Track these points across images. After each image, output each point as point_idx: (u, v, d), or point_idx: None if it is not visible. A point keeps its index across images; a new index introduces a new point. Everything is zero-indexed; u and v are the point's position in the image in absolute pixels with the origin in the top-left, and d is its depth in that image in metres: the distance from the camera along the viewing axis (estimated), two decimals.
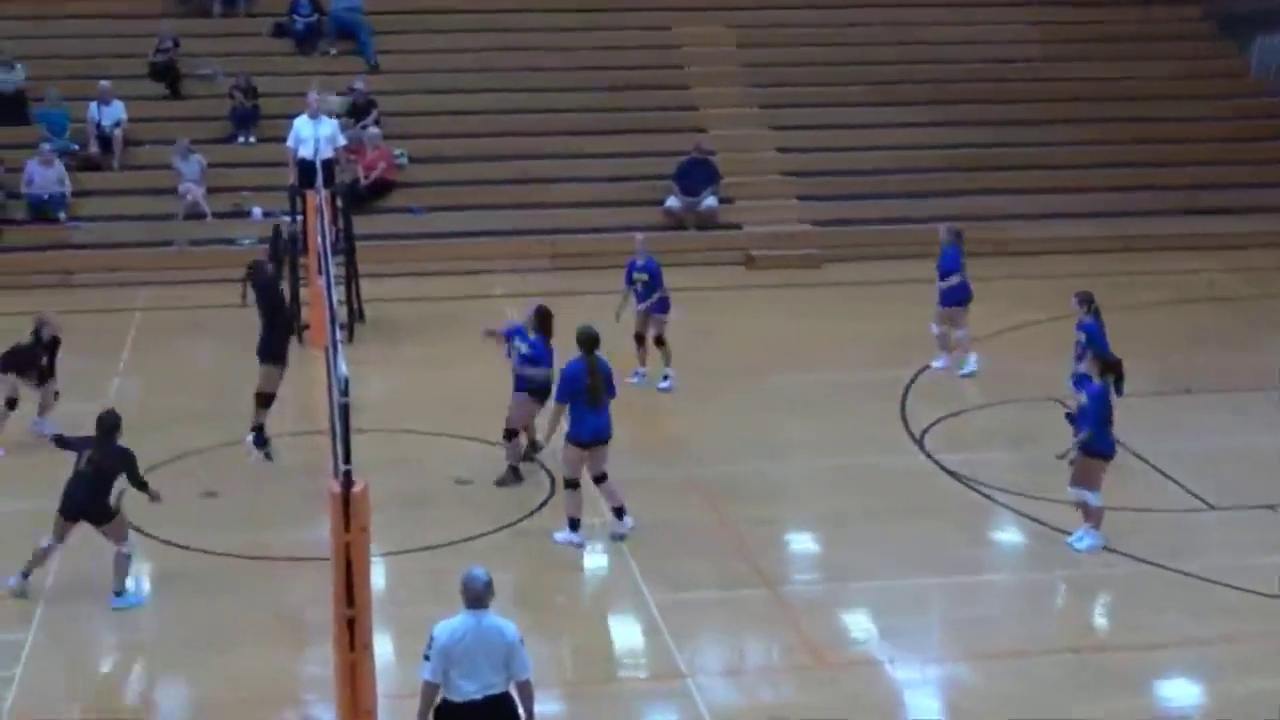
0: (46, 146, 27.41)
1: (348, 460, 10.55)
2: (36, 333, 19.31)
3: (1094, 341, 18.23)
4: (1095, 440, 15.73)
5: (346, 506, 10.52)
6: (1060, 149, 30.62)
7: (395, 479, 17.11)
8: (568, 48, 31.49)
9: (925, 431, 19.23)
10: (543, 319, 17.50)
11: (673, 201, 28.38)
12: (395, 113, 29.45)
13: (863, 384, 21.03)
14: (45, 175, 27.21)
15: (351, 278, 23.47)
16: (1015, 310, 23.94)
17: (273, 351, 18.32)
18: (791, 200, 29.27)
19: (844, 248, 27.91)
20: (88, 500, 14.69)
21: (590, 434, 15.84)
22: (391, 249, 26.65)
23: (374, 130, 28.37)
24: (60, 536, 14.82)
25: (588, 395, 15.75)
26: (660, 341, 20.91)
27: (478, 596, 10.62)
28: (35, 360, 19.10)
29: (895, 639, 14.21)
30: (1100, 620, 15.09)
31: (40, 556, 14.84)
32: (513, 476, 17.59)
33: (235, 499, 17.37)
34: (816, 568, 16.31)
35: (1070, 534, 16.04)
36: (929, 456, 18.48)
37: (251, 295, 18.65)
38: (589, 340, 15.95)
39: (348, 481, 10.54)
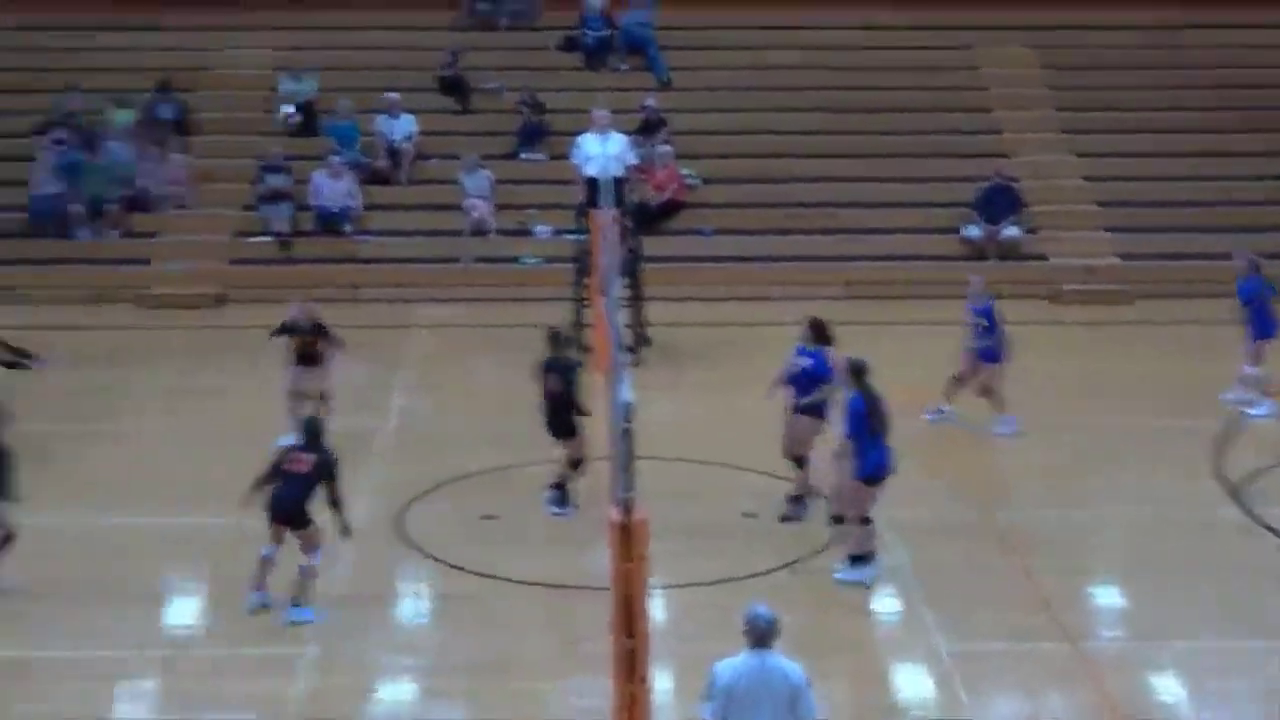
0: (335, 159, 27.52)
1: (629, 488, 10.30)
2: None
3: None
4: None
5: (627, 535, 10.34)
6: None
7: (677, 509, 16.69)
8: (867, 67, 30.79)
9: (1245, 483, 18.03)
10: (818, 330, 16.99)
11: (973, 230, 27.45)
12: (686, 131, 29.01)
13: (1176, 430, 20.01)
14: (334, 188, 27.32)
15: (638, 300, 23.01)
16: None
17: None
18: (1100, 231, 28.08)
19: (1157, 284, 26.57)
20: (292, 503, 14.56)
21: (877, 468, 15.36)
22: (679, 271, 26.15)
23: (665, 149, 27.93)
24: (277, 542, 14.70)
25: (872, 428, 15.29)
26: (986, 391, 19.96)
27: (763, 636, 10.39)
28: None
29: (1206, 705, 13.50)
30: None
31: (266, 565, 14.71)
32: (797, 508, 16.90)
33: (514, 523, 17.18)
34: (1123, 623, 15.56)
35: None
36: (1247, 511, 17.30)
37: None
38: (860, 370, 15.49)
39: (628, 510, 10.33)
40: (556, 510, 17.21)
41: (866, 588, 15.42)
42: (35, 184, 27.48)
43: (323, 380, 19.49)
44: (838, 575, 15.54)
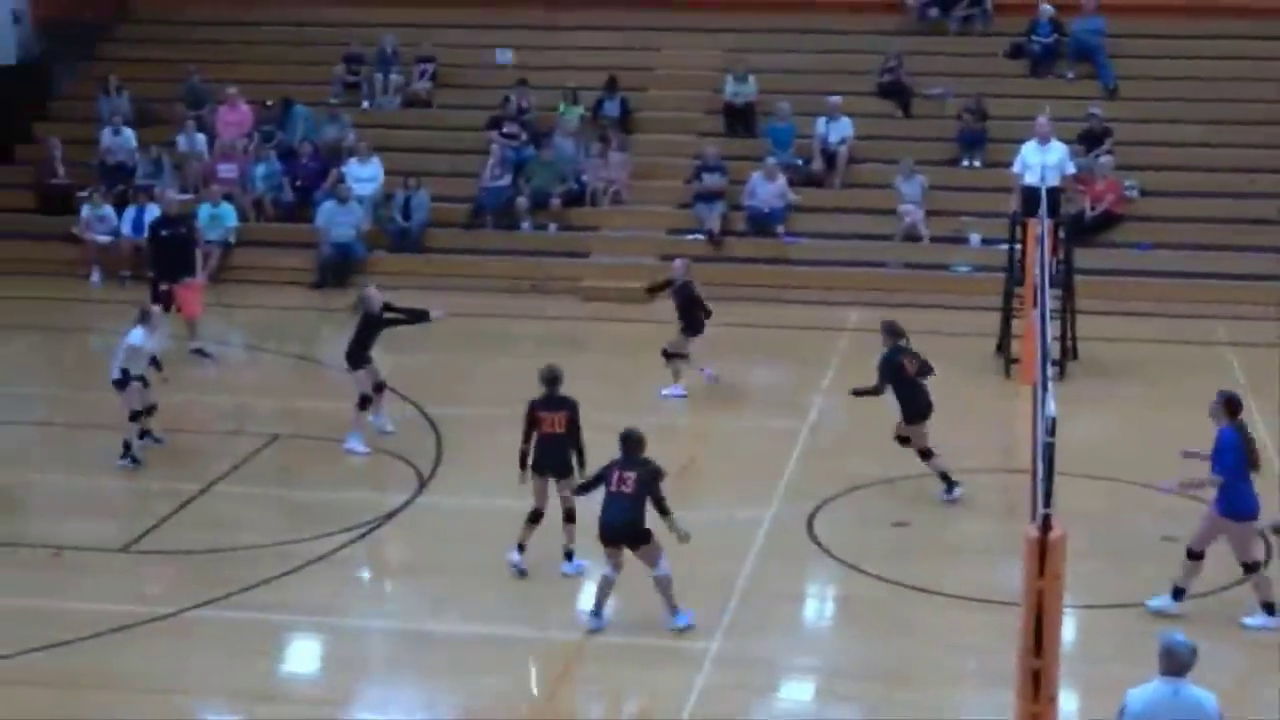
0: (771, 160, 27.74)
1: (1048, 504, 10.10)
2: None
3: None
4: None
5: (1043, 552, 10.10)
6: None
7: (1096, 528, 16.37)
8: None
9: None
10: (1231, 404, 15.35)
11: None
12: (1130, 142, 28.27)
13: None
14: (767, 189, 27.55)
15: (1068, 312, 22.56)
16: None
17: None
18: None
19: None
20: (623, 525, 14.27)
21: (1253, 507, 14.72)
22: (1112, 285, 25.52)
23: (1106, 159, 27.29)
24: (615, 564, 14.50)
25: (1247, 464, 14.66)
26: None
27: (1181, 665, 10.07)
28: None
29: None
30: None
31: (605, 587, 14.57)
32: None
33: (925, 531, 17.05)
34: None
35: None
36: None
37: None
38: (1234, 405, 14.86)
39: (1046, 526, 10.10)
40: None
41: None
42: (485, 176, 28.53)
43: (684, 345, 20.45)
44: (1246, 621, 14.86)
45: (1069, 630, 13.82)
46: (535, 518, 15.65)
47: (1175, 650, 10.06)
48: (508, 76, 30.53)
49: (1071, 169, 24.83)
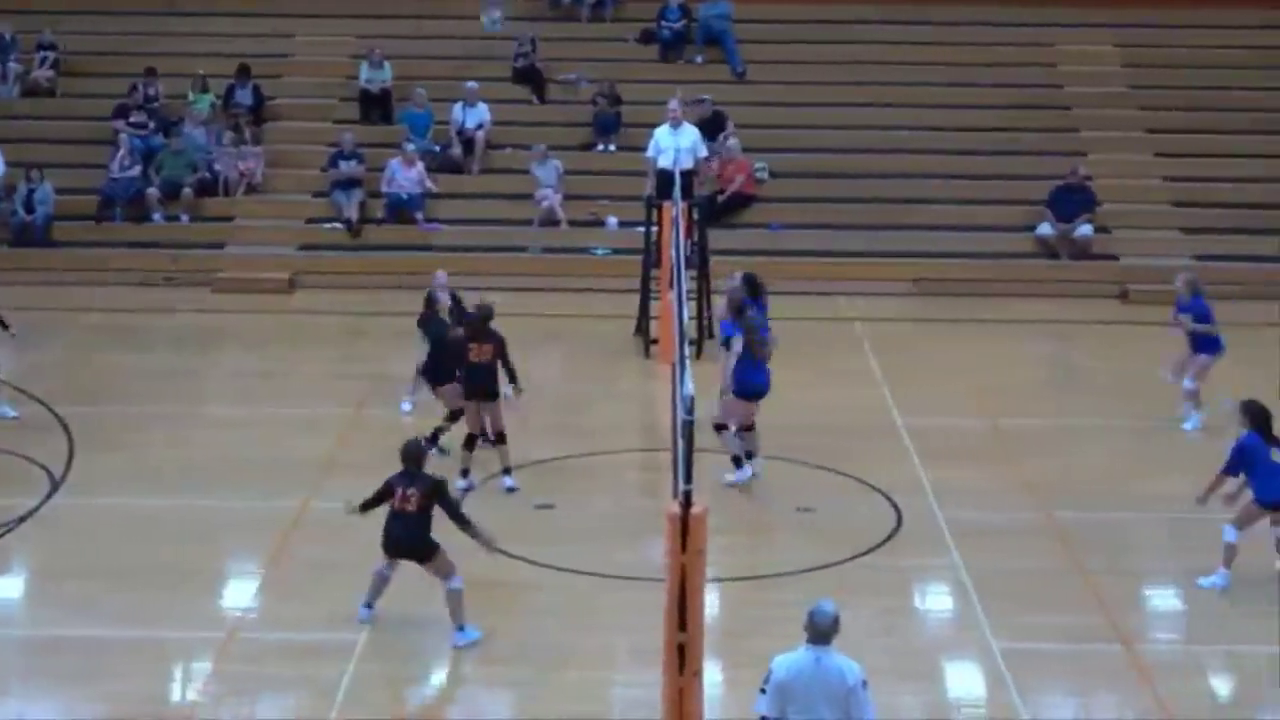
0: (410, 147, 27.63)
1: (688, 481, 10.35)
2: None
3: None
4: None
5: (685, 528, 10.36)
6: None
7: (736, 503, 16.72)
8: (942, 62, 30.53)
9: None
10: (753, 285, 17.98)
11: (1045, 228, 27.21)
12: (758, 125, 28.94)
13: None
14: (406, 175, 27.44)
15: (703, 293, 22.99)
16: None
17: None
18: (1175, 232, 27.81)
19: (1229, 285, 26.20)
20: (409, 541, 14.07)
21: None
22: (746, 265, 25.84)
23: (733, 142, 27.87)
24: (393, 563, 14.40)
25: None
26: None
27: (824, 633, 10.26)
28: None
29: (1261, 711, 13.38)
30: None
31: (379, 583, 14.45)
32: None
33: (571, 514, 17.13)
34: (1178, 627, 15.38)
35: None
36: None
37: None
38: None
39: (687, 503, 10.37)
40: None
41: None
42: (113, 167, 27.75)
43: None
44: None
45: (713, 604, 14.17)
46: (470, 443, 17.33)
47: (817, 619, 10.21)
48: (135, 65, 29.67)
49: (704, 151, 25.30)
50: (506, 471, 17.42)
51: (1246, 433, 15.48)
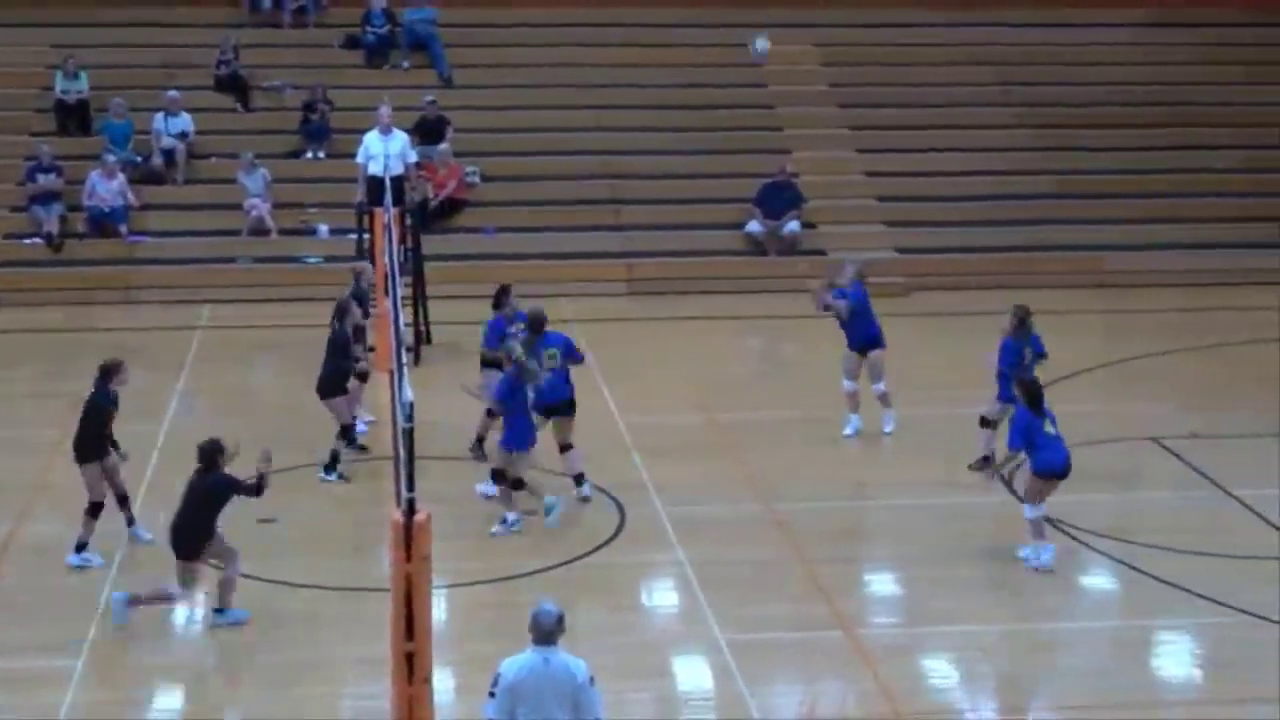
0: (111, 158, 26.96)
1: (411, 488, 10.29)
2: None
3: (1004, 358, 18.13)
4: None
5: (408, 536, 10.29)
6: (1160, 176, 29.71)
7: (460, 509, 16.68)
8: (648, 64, 30.83)
9: (1014, 472, 18.40)
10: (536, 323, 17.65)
11: (754, 225, 27.68)
12: (468, 129, 28.89)
13: (948, 419, 20.18)
14: (108, 187, 26.77)
15: (419, 299, 22.89)
16: (1113, 345, 23.06)
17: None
18: (878, 226, 28.50)
19: (932, 276, 27.10)
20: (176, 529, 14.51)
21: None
22: (462, 269, 26.05)
23: (445, 147, 27.80)
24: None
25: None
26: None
27: (548, 633, 10.26)
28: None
29: (977, 689, 13.83)
30: (1195, 673, 14.40)
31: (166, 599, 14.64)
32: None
33: (294, 526, 16.90)
34: (896, 611, 15.78)
35: None
36: (1017, 496, 17.66)
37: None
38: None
39: (410, 510, 10.31)
40: None
41: None
42: None
43: None
44: None
45: (440, 610, 14.08)
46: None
47: (540, 619, 10.23)
48: None
49: (414, 157, 25.24)
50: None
51: (1019, 409, 16.00)
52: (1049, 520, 16.10)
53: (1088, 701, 13.42)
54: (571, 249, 27.38)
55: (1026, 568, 15.77)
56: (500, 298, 18.74)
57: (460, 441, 18.64)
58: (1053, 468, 15.77)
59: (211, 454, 14.51)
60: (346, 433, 17.97)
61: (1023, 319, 18.21)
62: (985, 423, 18.27)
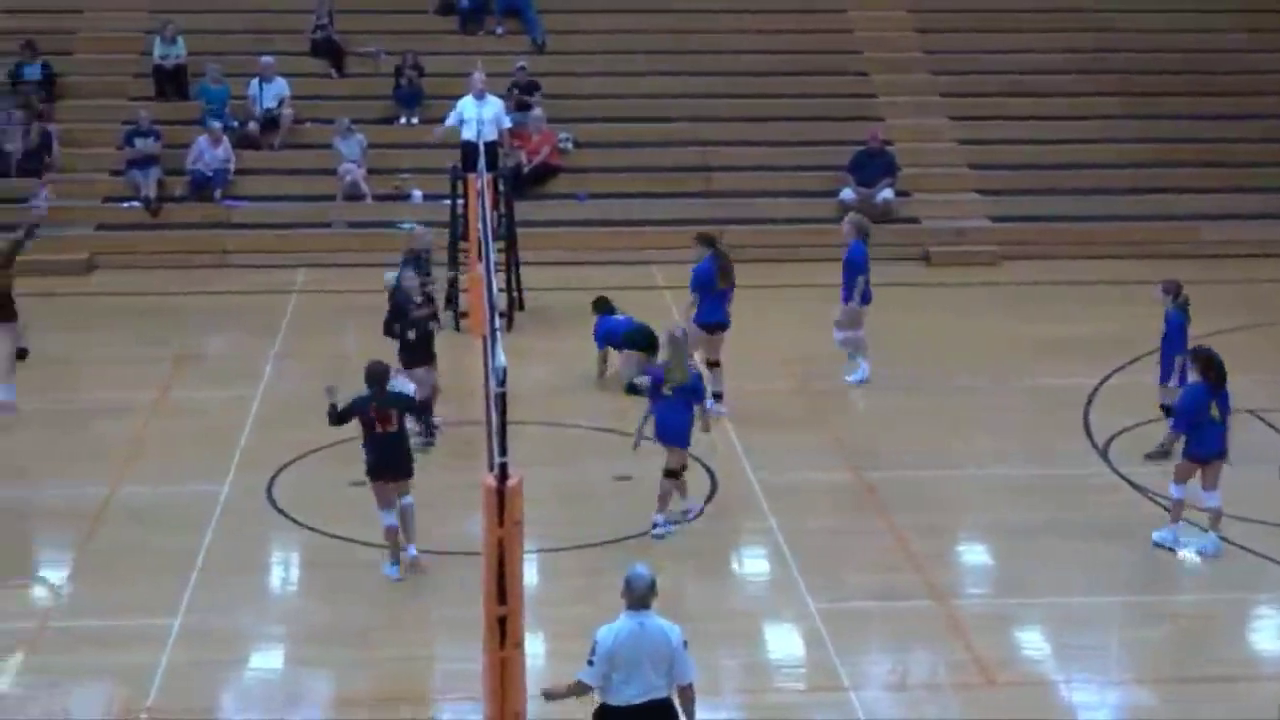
0: (216, 124, 27.17)
1: (503, 453, 10.27)
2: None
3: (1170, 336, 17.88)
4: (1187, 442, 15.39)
5: (501, 500, 10.30)
6: (1256, 145, 29.23)
7: (552, 473, 16.78)
8: (741, 31, 30.68)
9: (1109, 442, 18.27)
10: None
11: (847, 193, 27.48)
12: (562, 95, 28.88)
13: (1042, 390, 20.18)
14: (213, 154, 26.96)
15: (512, 265, 22.95)
16: (1208, 317, 22.74)
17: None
18: (972, 194, 28.27)
19: (1025, 245, 26.83)
20: (396, 457, 14.81)
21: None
22: (554, 236, 26.10)
23: (538, 113, 27.80)
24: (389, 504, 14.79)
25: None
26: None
27: (641, 597, 10.33)
28: None
29: (1070, 659, 13.69)
30: None
31: (392, 537, 14.80)
32: None
33: None
34: (989, 582, 15.69)
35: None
36: (1113, 468, 17.54)
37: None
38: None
39: (503, 475, 10.30)
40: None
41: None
42: None
43: None
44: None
45: (532, 575, 14.22)
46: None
47: (634, 583, 10.27)
48: None
49: (508, 123, 25.23)
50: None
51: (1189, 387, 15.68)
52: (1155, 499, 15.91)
53: (1182, 674, 13.35)
54: (663, 216, 27.30)
55: (1167, 549, 15.53)
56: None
57: (550, 406, 18.63)
58: (1205, 455, 15.34)
59: (382, 376, 14.89)
60: (426, 407, 17.72)
61: (1178, 292, 18.11)
62: (1168, 411, 17.48)
